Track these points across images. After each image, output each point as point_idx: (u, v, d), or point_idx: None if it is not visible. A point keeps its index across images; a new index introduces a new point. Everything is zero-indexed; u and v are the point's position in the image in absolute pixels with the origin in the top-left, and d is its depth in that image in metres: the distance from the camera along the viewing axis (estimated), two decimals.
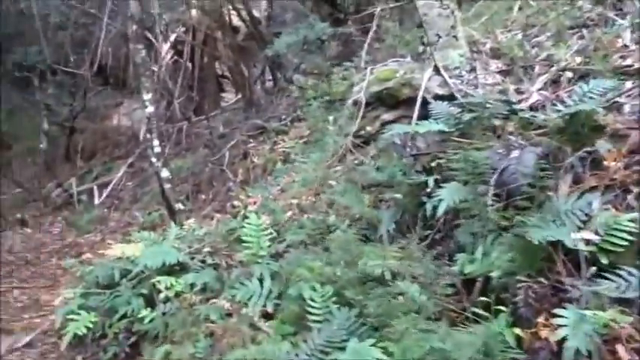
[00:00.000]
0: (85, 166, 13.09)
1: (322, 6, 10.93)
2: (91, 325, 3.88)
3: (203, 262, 4.62)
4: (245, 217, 6.22)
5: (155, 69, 9.16)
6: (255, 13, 10.50)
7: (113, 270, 4.39)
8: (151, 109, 6.25)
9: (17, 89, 15.14)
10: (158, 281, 4.01)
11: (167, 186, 6.29)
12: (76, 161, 13.27)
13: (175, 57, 11.90)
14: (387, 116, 5.07)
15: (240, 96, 11.12)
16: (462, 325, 3.14)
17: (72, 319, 3.92)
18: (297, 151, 6.65)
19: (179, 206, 6.28)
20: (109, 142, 13.67)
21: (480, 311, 3.15)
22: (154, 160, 6.35)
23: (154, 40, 10.41)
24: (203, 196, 7.63)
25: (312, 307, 3.16)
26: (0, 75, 15.41)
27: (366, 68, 5.48)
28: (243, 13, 9.61)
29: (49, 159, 12.62)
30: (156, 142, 6.24)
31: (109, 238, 8.52)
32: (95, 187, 11.03)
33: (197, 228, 5.47)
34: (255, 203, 6.48)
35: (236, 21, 11.05)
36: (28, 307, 5.59)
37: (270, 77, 10.21)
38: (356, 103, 4.92)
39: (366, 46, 5.72)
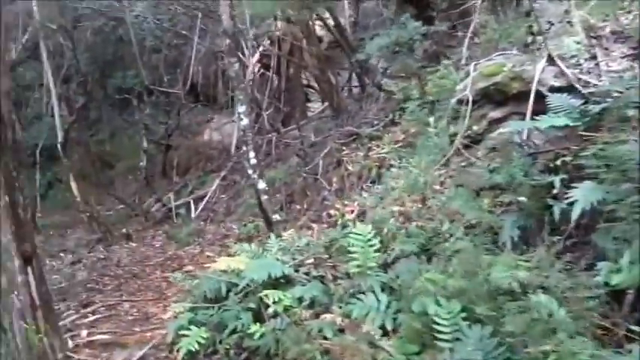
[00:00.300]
0: (180, 181, 13.52)
1: (407, 8, 10.63)
2: (202, 341, 3.79)
3: (307, 274, 4.44)
4: (344, 226, 6.03)
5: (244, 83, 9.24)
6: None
7: (220, 284, 4.30)
8: (245, 121, 6.20)
9: (118, 111, 16.02)
10: (265, 295, 3.86)
11: (264, 197, 6.21)
12: (172, 176, 13.76)
13: (262, 70, 12.05)
14: (495, 114, 4.66)
15: (327, 104, 11.02)
16: (614, 345, 2.72)
17: (184, 335, 3.85)
18: (394, 156, 6.36)
19: (276, 217, 6.17)
20: (201, 157, 14.05)
21: (635, 327, 2.71)
22: (250, 171, 6.30)
23: (241, 55, 10.57)
24: (297, 206, 7.51)
25: (439, 324, 2.84)
26: (102, 99, 16.44)
27: (467, 65, 5.10)
28: (329, 22, 9.49)
29: (148, 176, 13.14)
30: (252, 154, 6.18)
31: (207, 250, 8.65)
32: (191, 201, 11.32)
33: (297, 239, 5.32)
34: (352, 212, 6.25)
35: (320, 30, 11.00)
36: (138, 320, 5.67)
37: (357, 83, 9.99)
38: (461, 101, 4.56)
39: (466, 41, 5.34)
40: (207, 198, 11.04)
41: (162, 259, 8.30)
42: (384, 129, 7.36)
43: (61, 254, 9.90)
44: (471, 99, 4.48)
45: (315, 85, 12.02)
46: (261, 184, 6.23)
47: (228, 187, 11.17)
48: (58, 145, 10.94)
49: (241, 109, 6.23)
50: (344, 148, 7.33)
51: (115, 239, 9.85)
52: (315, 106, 12.23)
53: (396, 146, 6.64)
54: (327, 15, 10.03)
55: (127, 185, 14.86)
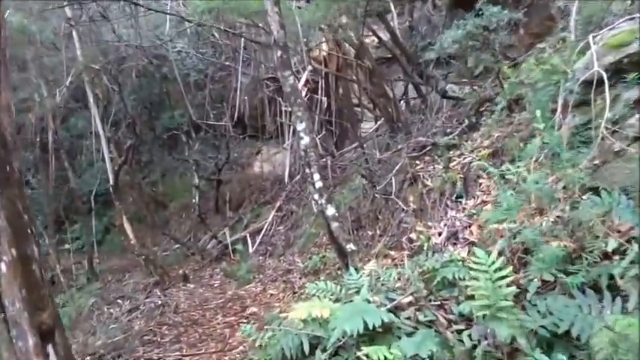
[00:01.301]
0: (234, 216, 12.71)
1: (457, 11, 9.61)
2: None
3: (409, 318, 3.36)
4: (433, 251, 4.94)
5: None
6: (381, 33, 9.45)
7: (301, 338, 3.28)
8: (306, 139, 5.25)
9: (167, 151, 15.53)
10: (366, 355, 2.80)
11: (334, 224, 5.19)
12: (225, 212, 12.95)
13: (309, 93, 11.20)
14: (632, 94, 3.52)
15: (381, 121, 10.06)
16: None
17: None
18: (483, 165, 5.25)
19: (350, 247, 5.13)
20: (254, 189, 13.22)
21: None
22: (316, 196, 5.31)
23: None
24: (369, 232, 6.45)
25: None
26: (152, 140, 16.03)
27: (577, 41, 4.00)
28: (381, 33, 8.56)
29: (201, 213, 12.40)
30: (316, 176, 5.20)
31: (270, 288, 7.67)
32: (247, 236, 10.42)
33: (382, 272, 4.26)
34: (440, 234, 5.15)
35: (368, 41, 10.09)
36: None
37: (416, 94, 8.95)
38: (591, 82, 3.43)
39: (573, 10, 4.23)
40: (263, 231, 10.13)
41: (222, 301, 7.37)
42: (460, 137, 6.27)
43: (119, 300, 9.16)
44: (605, 76, 3.35)
45: (366, 103, 11.11)
46: (330, 210, 5.22)
47: (285, 218, 10.24)
48: (110, 189, 10.37)
49: (300, 126, 5.29)
50: (417, 162, 6.26)
51: (172, 281, 9.02)
52: (366, 127, 11.25)
53: (482, 153, 5.53)
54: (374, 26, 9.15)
55: (182, 224, 14.19)
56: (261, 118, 13.80)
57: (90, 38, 10.92)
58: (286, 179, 10.74)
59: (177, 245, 12.40)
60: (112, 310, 8.83)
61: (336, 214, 5.26)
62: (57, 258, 12.25)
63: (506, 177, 4.73)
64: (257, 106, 13.51)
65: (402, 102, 9.32)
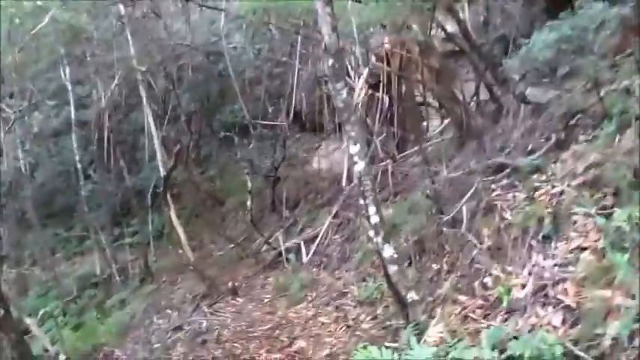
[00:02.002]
0: (290, 216, 12.06)
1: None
2: None
3: None
4: (513, 309, 3.97)
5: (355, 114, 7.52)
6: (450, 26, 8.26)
7: None
8: (360, 165, 4.35)
9: (225, 148, 15.09)
10: None
11: (393, 268, 4.31)
12: (282, 211, 12.32)
13: (370, 90, 10.20)
14: None
15: (447, 122, 8.98)
16: None
17: None
18: (577, 198, 4.19)
19: (411, 296, 4.23)
20: (311, 189, 12.46)
21: None
22: (371, 233, 4.45)
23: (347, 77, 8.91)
24: (434, 265, 5.49)
25: None
26: (210, 135, 15.65)
27: None
28: (449, 25, 7.46)
29: (256, 212, 11.82)
30: (372, 210, 4.31)
31: (322, 313, 6.90)
32: (302, 244, 9.68)
33: (452, 347, 3.35)
34: (523, 287, 4.14)
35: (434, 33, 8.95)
36: None
37: (489, 97, 7.78)
38: None
39: None
40: (318, 239, 9.35)
41: (269, 327, 6.68)
42: (545, 157, 5.15)
43: (168, 311, 8.77)
44: None
45: (431, 101, 10.00)
46: (388, 250, 4.34)
47: (342, 227, 9.40)
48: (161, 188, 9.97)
49: (354, 149, 4.41)
50: (493, 186, 5.21)
51: (221, 295, 8.47)
52: (434, 124, 10.13)
53: (576, 183, 4.44)
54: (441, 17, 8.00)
55: (238, 222, 13.72)
56: (319, 114, 12.94)
57: (143, 35, 10.45)
58: (344, 182, 9.85)
59: (232, 245, 11.95)
60: (160, 321, 8.46)
61: (395, 256, 4.36)
62: (113, 256, 12.11)
63: (613, 222, 3.68)
64: (315, 103, 12.64)
65: (471, 104, 8.17)
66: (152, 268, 11.96)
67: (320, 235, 9.24)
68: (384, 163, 9.42)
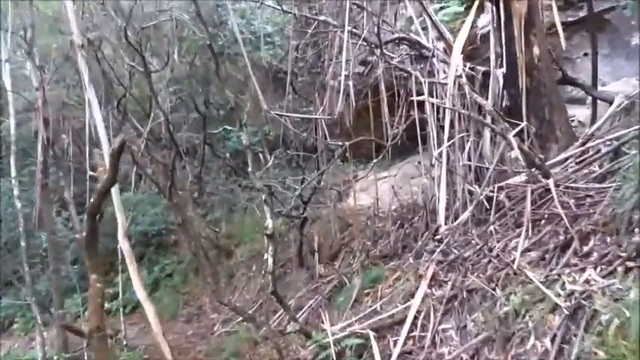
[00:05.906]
0: (326, 273, 7.40)
1: None
2: None
3: None
4: None
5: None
6: None
7: None
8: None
9: (234, 175, 10.62)
10: None
11: None
12: (313, 265, 7.60)
13: (465, 68, 5.61)
14: None
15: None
16: None
17: None
18: None
19: None
20: (355, 232, 7.80)
21: None
22: None
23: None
24: None
25: None
26: (218, 168, 11.27)
27: None
28: None
29: (276, 269, 7.09)
30: None
31: None
32: (371, 335, 4.74)
33: None
34: None
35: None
36: None
37: None
38: None
39: None
40: (407, 327, 4.44)
41: None
42: None
43: None
44: None
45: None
46: None
47: (451, 299, 4.52)
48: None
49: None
50: None
51: None
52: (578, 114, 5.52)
53: None
54: None
55: (251, 280, 8.98)
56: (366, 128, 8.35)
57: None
58: (442, 219, 4.93)
59: (241, 318, 7.24)
60: None
61: None
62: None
63: None
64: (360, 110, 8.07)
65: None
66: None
67: (409, 321, 4.33)
68: (532, 184, 4.69)
